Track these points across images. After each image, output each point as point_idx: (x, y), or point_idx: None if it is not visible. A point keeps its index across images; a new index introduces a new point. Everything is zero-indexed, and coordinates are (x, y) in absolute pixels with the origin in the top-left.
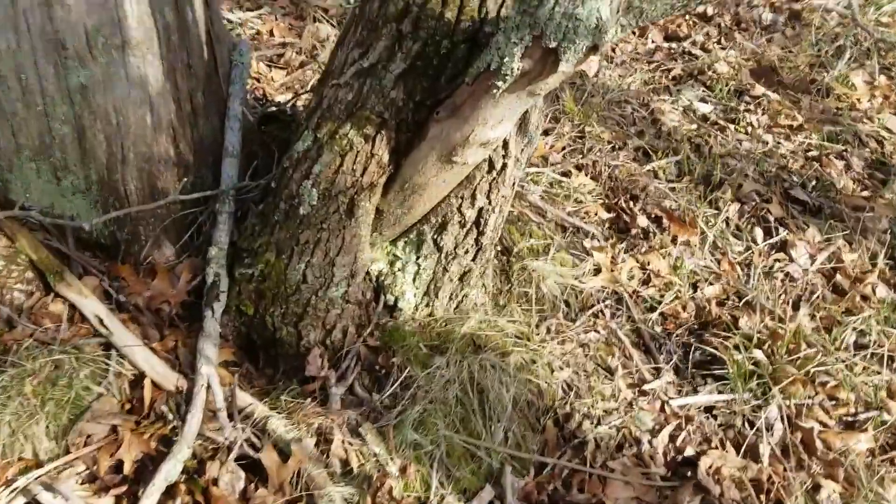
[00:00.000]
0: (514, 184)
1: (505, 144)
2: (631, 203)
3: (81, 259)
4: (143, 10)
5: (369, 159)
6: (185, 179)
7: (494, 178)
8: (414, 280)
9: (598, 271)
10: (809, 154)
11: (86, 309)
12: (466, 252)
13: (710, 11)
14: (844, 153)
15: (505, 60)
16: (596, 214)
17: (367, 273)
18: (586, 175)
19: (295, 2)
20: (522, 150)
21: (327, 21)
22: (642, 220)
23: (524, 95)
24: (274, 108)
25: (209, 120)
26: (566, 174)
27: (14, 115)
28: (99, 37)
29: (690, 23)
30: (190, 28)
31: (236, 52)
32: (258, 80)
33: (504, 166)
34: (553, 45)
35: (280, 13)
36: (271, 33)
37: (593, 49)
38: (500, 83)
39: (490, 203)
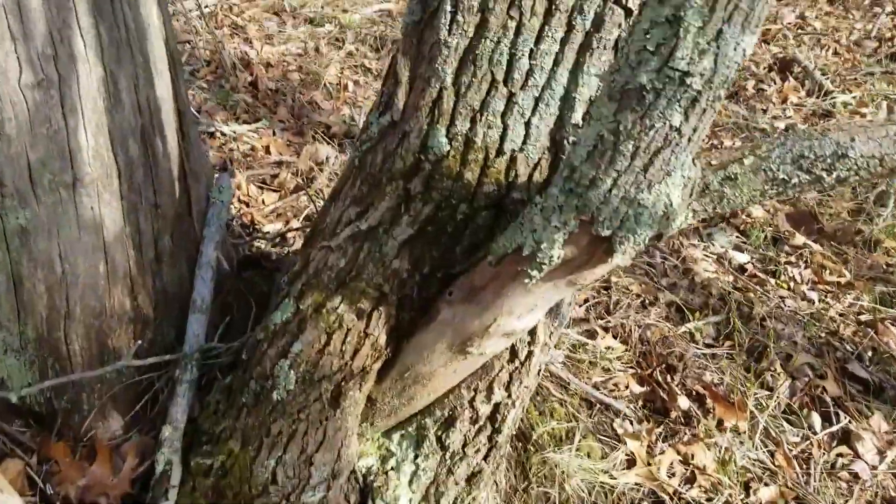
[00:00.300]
0: (539, 371)
1: (532, 331)
2: (668, 376)
3: (7, 432)
4: (102, 142)
5: (362, 340)
6: (142, 339)
7: (517, 369)
8: (410, 483)
9: (631, 463)
10: (861, 318)
11: None
12: (477, 451)
13: (727, 142)
14: None
15: (542, 246)
16: (627, 387)
17: (353, 471)
18: (614, 337)
19: (296, 116)
20: (551, 334)
21: (327, 141)
22: (683, 402)
23: (562, 285)
24: (255, 253)
25: (176, 268)
26: (591, 335)
27: None
28: (45, 173)
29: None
30: (160, 162)
31: (215, 189)
32: (247, 205)
33: (530, 354)
34: (606, 233)
35: (279, 127)
36: (267, 150)
37: (657, 238)
38: (534, 272)
39: (510, 396)
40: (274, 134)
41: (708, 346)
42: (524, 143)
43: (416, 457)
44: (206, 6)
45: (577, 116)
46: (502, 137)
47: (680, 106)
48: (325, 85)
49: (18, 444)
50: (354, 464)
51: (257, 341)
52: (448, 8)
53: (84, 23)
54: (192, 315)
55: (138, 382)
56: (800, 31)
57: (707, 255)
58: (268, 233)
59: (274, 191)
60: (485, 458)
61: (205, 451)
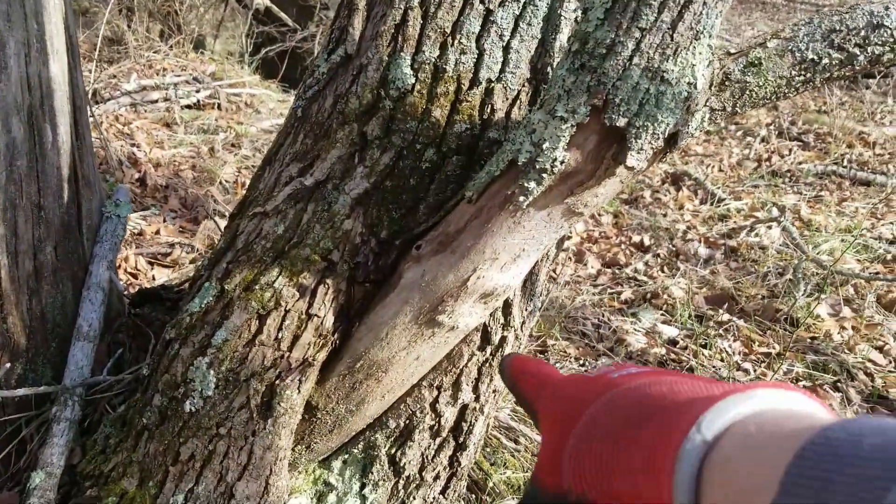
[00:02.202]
0: None
1: (507, 307)
2: None
3: None
4: None
5: (304, 323)
6: (18, 368)
7: (488, 360)
8: None
9: None
10: (801, 384)
11: None
12: (437, 478)
13: (646, 241)
14: (839, 384)
15: (545, 147)
16: None
17: None
18: None
19: (189, 206)
20: (524, 321)
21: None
22: None
23: (558, 214)
24: (155, 287)
25: (59, 287)
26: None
27: None
28: None
29: (627, 252)
30: (47, 155)
31: (111, 202)
32: (135, 278)
33: (503, 340)
34: (622, 122)
35: (170, 216)
36: (157, 233)
37: (672, 141)
38: (531, 186)
39: (478, 399)
40: (164, 220)
41: None
42: (502, 71)
43: (362, 487)
44: (90, 115)
45: (563, 38)
46: (477, 65)
47: None
48: (221, 182)
49: None
50: (285, 501)
51: (166, 342)
52: None
53: None
54: (75, 343)
55: (2, 424)
56: (684, 154)
57: (637, 329)
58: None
59: (166, 266)
60: (443, 492)
61: (88, 497)
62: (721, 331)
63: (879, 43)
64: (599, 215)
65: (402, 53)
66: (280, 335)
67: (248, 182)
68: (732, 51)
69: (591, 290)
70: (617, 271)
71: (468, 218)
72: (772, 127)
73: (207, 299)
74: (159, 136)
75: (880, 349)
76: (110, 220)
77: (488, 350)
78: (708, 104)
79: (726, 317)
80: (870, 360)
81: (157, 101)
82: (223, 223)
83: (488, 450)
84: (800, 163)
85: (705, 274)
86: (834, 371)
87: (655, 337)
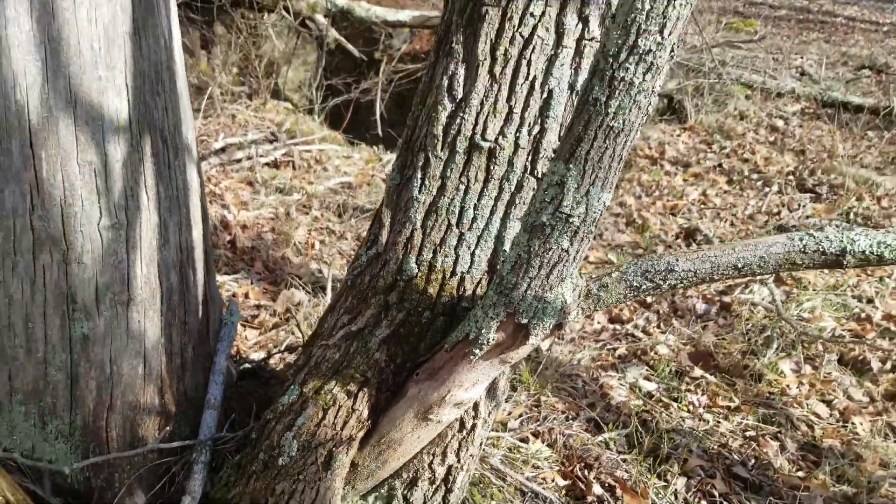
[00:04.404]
0: (481, 444)
1: (475, 406)
2: (586, 471)
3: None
4: (152, 271)
5: (350, 414)
6: (167, 429)
7: (465, 437)
8: None
9: None
10: (747, 434)
11: None
12: None
13: (649, 299)
14: (779, 434)
15: (482, 332)
16: (553, 481)
17: None
18: (543, 442)
19: (270, 269)
20: (490, 412)
21: (301, 287)
22: (597, 489)
23: (497, 363)
24: (251, 366)
25: (195, 373)
26: (524, 440)
27: (14, 360)
28: (108, 293)
29: (632, 307)
30: (190, 290)
31: (226, 312)
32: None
33: (474, 426)
34: (524, 321)
35: (255, 278)
36: (246, 296)
37: (558, 326)
38: (476, 350)
39: (459, 461)
40: (252, 283)
41: (619, 452)
42: (470, 267)
43: None
44: None
45: (506, 247)
46: (455, 263)
47: (566, 235)
48: (294, 244)
49: None
50: None
51: (266, 420)
52: (419, 175)
53: (149, 182)
54: (206, 411)
55: (160, 465)
56: (702, 206)
57: (621, 384)
58: (254, 360)
59: (254, 328)
60: None
61: None
62: (693, 386)
63: (673, 279)
64: None
65: (410, 255)
66: (335, 421)
67: (316, 244)
68: (593, 276)
69: (593, 345)
70: (619, 327)
71: (445, 360)
72: (791, 176)
73: (292, 397)
74: (244, 196)
75: (828, 403)
76: (227, 325)
77: (464, 432)
78: (578, 307)
79: (699, 373)
80: (814, 413)
81: (240, 160)
82: (297, 293)
83: (480, 485)
84: (807, 216)
85: (695, 331)
86: (779, 423)
87: (636, 391)
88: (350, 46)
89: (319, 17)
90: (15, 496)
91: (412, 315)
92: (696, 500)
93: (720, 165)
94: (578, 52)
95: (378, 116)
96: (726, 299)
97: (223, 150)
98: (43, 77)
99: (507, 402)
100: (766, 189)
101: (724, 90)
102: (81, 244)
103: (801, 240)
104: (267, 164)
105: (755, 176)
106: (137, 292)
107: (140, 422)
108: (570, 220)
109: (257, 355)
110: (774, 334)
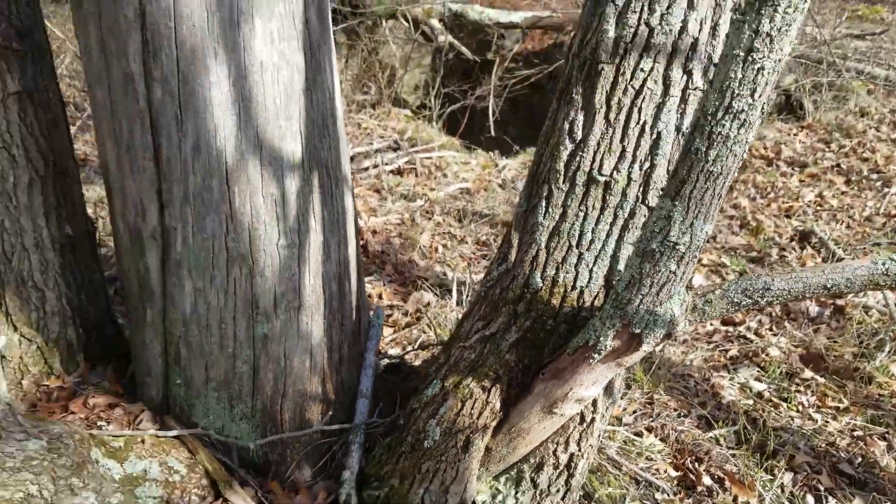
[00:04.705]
0: (599, 435)
1: (594, 402)
2: (696, 464)
3: (241, 473)
4: (318, 282)
5: (485, 406)
6: (328, 414)
7: (585, 429)
8: None
9: None
10: (855, 433)
11: None
12: (558, 491)
13: None
14: (887, 435)
15: (601, 339)
16: (665, 472)
17: (473, 502)
18: (655, 436)
19: (399, 271)
20: (607, 407)
21: (428, 289)
22: (707, 480)
23: (613, 365)
24: (393, 361)
25: (350, 367)
26: (638, 434)
27: (210, 355)
28: (283, 300)
29: (745, 310)
30: (346, 296)
31: (373, 315)
32: None
33: (593, 420)
34: (637, 331)
35: (387, 280)
36: (380, 296)
37: (667, 335)
38: (595, 355)
39: (580, 449)
40: (384, 285)
41: (728, 448)
42: (589, 282)
43: (516, 493)
44: None
45: (620, 267)
46: (575, 279)
47: (674, 260)
48: (420, 248)
49: (245, 483)
50: (474, 497)
51: (412, 409)
52: (543, 204)
53: (316, 209)
54: (359, 400)
55: (322, 445)
56: (818, 207)
57: (732, 384)
58: (392, 356)
59: (389, 326)
60: (563, 498)
61: (373, 486)
62: (802, 387)
63: (770, 297)
64: (726, 275)
65: (535, 271)
66: (472, 412)
67: (439, 248)
68: (699, 292)
69: (705, 346)
70: (731, 329)
71: (567, 363)
72: None
73: (435, 390)
74: (372, 203)
75: None
76: (374, 326)
77: (584, 424)
78: (685, 319)
79: (810, 375)
80: None
81: (367, 169)
82: (426, 294)
83: (598, 473)
84: None
85: (807, 333)
86: (887, 424)
87: (746, 391)
88: (463, 49)
89: (435, 22)
90: (212, 465)
91: (538, 322)
92: (802, 493)
93: (838, 165)
94: (683, 100)
95: (492, 122)
96: (840, 302)
97: (352, 158)
98: (237, 128)
99: (622, 399)
100: (886, 189)
101: (845, 86)
102: (264, 260)
103: (883, 264)
104: (391, 171)
105: (874, 176)
106: (306, 299)
107: (307, 407)
108: (677, 248)
109: (394, 351)
110: (887, 337)
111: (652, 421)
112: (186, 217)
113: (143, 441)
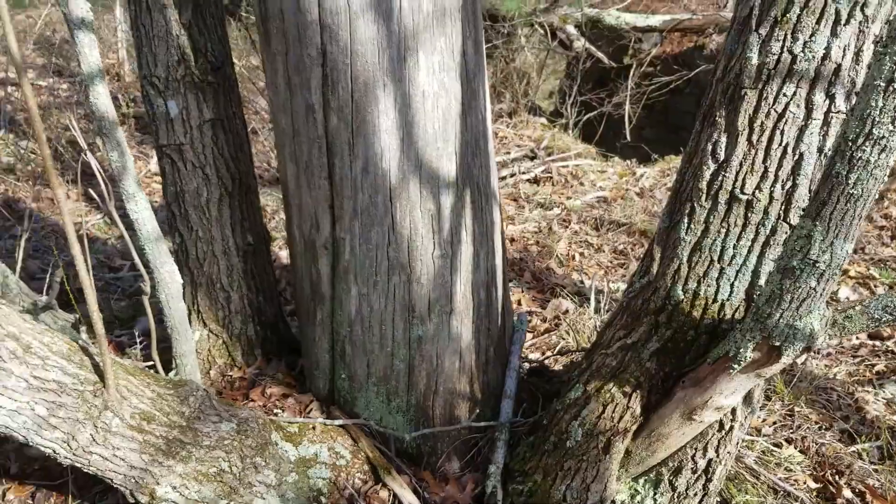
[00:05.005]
0: (737, 443)
1: (733, 410)
2: (836, 477)
3: (397, 461)
4: (468, 289)
5: (625, 410)
6: (476, 411)
7: (723, 437)
8: None
9: None
10: None
11: (404, 498)
12: (695, 495)
13: None
14: None
15: (740, 350)
16: (804, 483)
17: (612, 501)
18: (795, 448)
19: (537, 278)
20: (746, 416)
21: (566, 296)
22: (847, 493)
23: (752, 376)
24: (535, 365)
25: (495, 369)
26: (777, 445)
27: (371, 353)
28: (436, 305)
29: (890, 326)
30: (493, 303)
31: (517, 321)
32: None
33: (731, 427)
34: (777, 344)
35: (525, 286)
36: (519, 303)
37: (807, 349)
38: (735, 366)
39: (718, 456)
40: (523, 291)
41: (871, 462)
42: (729, 296)
43: (654, 494)
44: None
45: (761, 282)
46: (716, 292)
47: (814, 277)
48: (557, 255)
49: (401, 471)
50: (613, 496)
51: (555, 410)
52: (685, 220)
53: (468, 222)
54: (504, 400)
55: (469, 440)
56: None
57: (877, 399)
58: (533, 360)
59: (528, 332)
60: (699, 502)
61: (518, 480)
62: None
63: None
64: (875, 287)
65: (677, 284)
66: (613, 415)
67: (576, 256)
68: (839, 308)
69: (850, 360)
70: (878, 344)
71: (707, 372)
72: None
73: (577, 393)
74: (510, 211)
75: None
76: (518, 332)
77: (723, 432)
78: (825, 333)
79: None
80: None
81: (505, 178)
82: (564, 302)
83: (736, 481)
84: None
85: None
86: None
87: (892, 406)
88: (600, 54)
89: (571, 29)
90: (373, 453)
91: (678, 333)
92: None
93: None
94: (826, 123)
95: (628, 129)
96: None
97: None
98: (401, 150)
99: (761, 410)
100: None
101: None
102: (420, 269)
103: None
104: (528, 180)
105: None
106: (457, 305)
107: (456, 404)
108: (817, 265)
109: (534, 356)
110: None
111: (792, 433)
112: (354, 229)
113: (314, 428)
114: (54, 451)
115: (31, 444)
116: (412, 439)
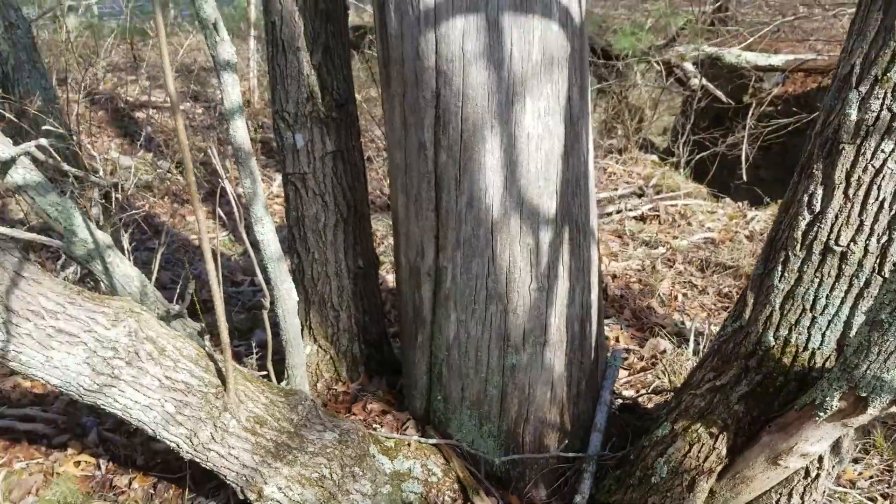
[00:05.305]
0: (823, 492)
1: (820, 458)
2: None
3: (486, 483)
4: (562, 322)
5: (711, 451)
6: (564, 442)
7: (809, 484)
8: None
9: None
10: None
11: None
12: None
13: None
14: None
15: (827, 399)
16: None
17: None
18: None
19: (637, 317)
20: (833, 466)
21: (665, 336)
22: None
23: (839, 425)
24: (627, 402)
25: (586, 402)
26: (872, 500)
27: (466, 377)
28: (531, 336)
29: None
30: (587, 337)
31: (611, 357)
32: None
33: (818, 475)
34: (864, 395)
35: (624, 324)
36: (617, 339)
37: (894, 402)
38: (821, 413)
39: (803, 503)
40: (621, 328)
41: None
42: (820, 345)
43: None
44: None
45: (852, 333)
46: (807, 340)
47: None
48: (659, 295)
49: (489, 493)
50: None
51: (642, 447)
52: (779, 269)
53: (565, 258)
54: (593, 433)
55: (556, 469)
56: None
57: None
58: (626, 396)
59: (624, 369)
60: None
61: None
62: None
63: None
64: None
65: (768, 330)
66: (699, 455)
67: (679, 296)
68: None
69: None
70: None
71: (794, 418)
72: None
73: (664, 431)
74: (613, 248)
75: None
76: (611, 367)
77: (809, 479)
78: None
79: None
80: None
81: (611, 214)
82: (662, 342)
83: None
84: None
85: None
86: None
87: None
88: (718, 93)
89: (688, 66)
90: (463, 473)
91: (768, 378)
92: None
93: None
94: None
95: (744, 168)
96: None
97: (596, 203)
98: (504, 187)
99: (858, 463)
100: None
101: None
102: (517, 300)
103: None
104: (634, 217)
105: None
106: (551, 337)
107: (545, 434)
108: None
109: (628, 393)
110: None
111: (888, 488)
112: (457, 259)
113: (409, 444)
114: (178, 446)
115: (158, 437)
116: (501, 463)
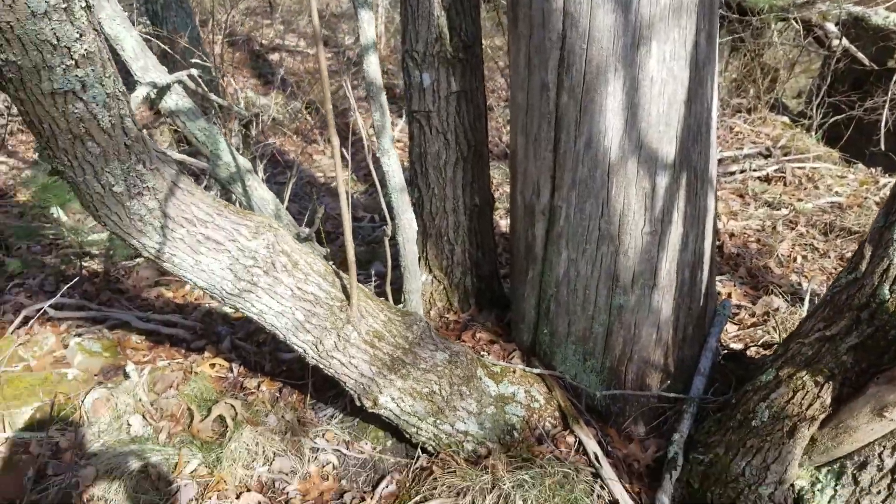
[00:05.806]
0: None
1: None
2: None
3: (587, 415)
4: (672, 267)
5: (815, 399)
6: (667, 382)
7: None
8: (829, 502)
9: None
10: None
11: (588, 447)
12: (879, 493)
13: None
14: None
15: None
16: None
17: (792, 484)
18: None
19: (752, 275)
20: None
21: (780, 295)
22: None
23: None
24: (733, 352)
25: (691, 347)
26: None
27: (573, 313)
28: (640, 278)
29: None
30: (697, 284)
31: (720, 306)
32: None
33: None
34: None
35: (738, 281)
36: (729, 295)
37: None
38: None
39: None
40: (735, 285)
41: None
42: None
43: (835, 485)
44: None
45: None
46: None
47: None
48: (777, 255)
49: (589, 423)
50: (793, 480)
51: (745, 391)
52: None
53: (680, 204)
54: (696, 377)
55: (657, 408)
56: None
57: None
58: (733, 348)
59: (734, 324)
60: (883, 501)
61: (699, 451)
62: None
63: None
64: None
65: (884, 283)
66: (802, 402)
67: (798, 258)
68: None
69: None
70: None
71: None
72: None
73: (769, 377)
74: (734, 207)
75: None
76: (719, 315)
77: None
78: None
79: None
80: None
81: (734, 173)
82: (776, 300)
83: None
84: None
85: None
86: None
87: None
88: (860, 55)
89: (830, 26)
90: (564, 402)
91: (880, 331)
92: None
93: None
94: None
95: (882, 134)
96: None
97: (719, 162)
98: (623, 130)
99: None
100: None
101: None
102: (628, 243)
103: None
104: (759, 178)
105: None
106: (660, 281)
107: (648, 373)
108: None
109: (736, 346)
110: None
111: None
112: (571, 199)
113: (514, 371)
114: (304, 351)
115: (288, 342)
116: (602, 397)
